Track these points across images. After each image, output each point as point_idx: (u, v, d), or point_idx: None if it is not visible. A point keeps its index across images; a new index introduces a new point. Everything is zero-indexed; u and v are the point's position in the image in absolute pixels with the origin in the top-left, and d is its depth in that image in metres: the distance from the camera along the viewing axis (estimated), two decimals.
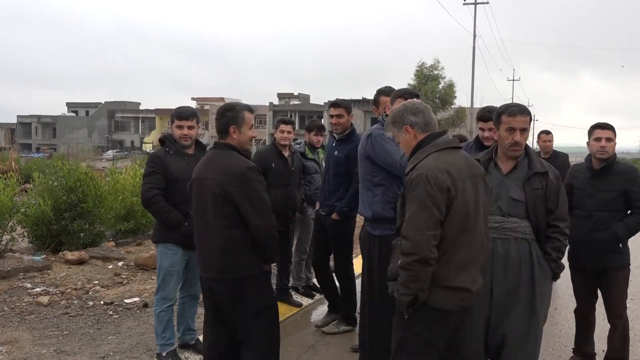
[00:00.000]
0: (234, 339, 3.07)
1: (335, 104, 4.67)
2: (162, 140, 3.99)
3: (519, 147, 3.06)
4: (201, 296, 4.17)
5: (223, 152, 3.02)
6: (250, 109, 3.12)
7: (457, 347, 2.70)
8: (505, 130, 3.05)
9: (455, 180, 2.53)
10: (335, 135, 4.69)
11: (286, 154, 5.20)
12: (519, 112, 3.04)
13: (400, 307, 2.55)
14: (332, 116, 4.64)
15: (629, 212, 3.82)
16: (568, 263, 3.93)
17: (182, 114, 3.91)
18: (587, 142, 3.92)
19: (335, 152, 4.61)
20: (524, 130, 3.04)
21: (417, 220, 2.47)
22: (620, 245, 3.79)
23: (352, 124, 4.74)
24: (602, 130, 3.81)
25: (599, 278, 3.86)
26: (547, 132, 6.44)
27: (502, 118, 3.07)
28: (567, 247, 3.29)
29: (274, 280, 5.54)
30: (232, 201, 2.89)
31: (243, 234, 2.94)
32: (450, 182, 2.50)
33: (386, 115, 3.68)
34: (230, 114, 3.03)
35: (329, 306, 5.01)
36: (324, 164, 5.23)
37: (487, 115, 3.73)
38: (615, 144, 3.86)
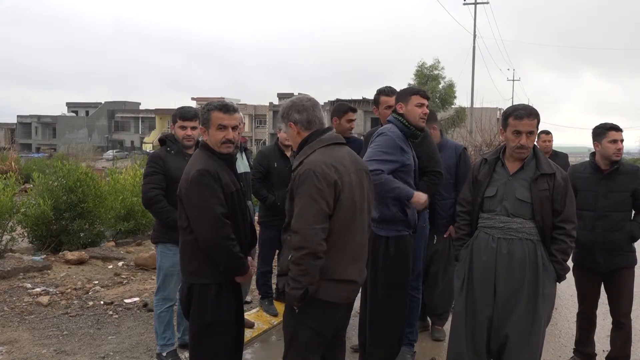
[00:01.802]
0: None
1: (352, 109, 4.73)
2: (163, 140, 3.98)
3: (525, 150, 3.05)
4: None
5: (199, 152, 2.93)
6: (222, 107, 2.87)
7: (341, 340, 2.84)
8: (512, 133, 3.04)
9: (342, 174, 2.60)
10: None
11: (288, 154, 5.18)
12: (526, 115, 3.02)
13: (291, 301, 2.58)
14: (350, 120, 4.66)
15: (633, 211, 3.85)
16: (573, 264, 3.93)
17: (185, 115, 3.90)
18: (595, 143, 3.88)
19: None
20: (531, 133, 3.03)
21: (306, 214, 2.50)
22: (633, 244, 3.83)
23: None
24: (616, 132, 3.81)
25: (609, 278, 3.86)
26: (547, 132, 6.43)
27: (509, 120, 3.05)
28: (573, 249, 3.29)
29: (274, 280, 5.55)
30: (182, 203, 2.83)
31: (196, 239, 2.79)
32: (337, 176, 2.57)
33: (398, 114, 3.68)
34: (203, 116, 2.92)
35: None
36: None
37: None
38: None
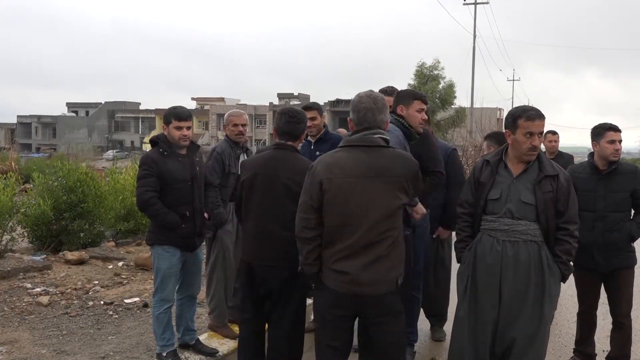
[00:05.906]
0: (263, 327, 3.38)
1: (307, 107, 4.67)
2: (155, 142, 3.89)
3: (537, 151, 3.05)
4: (197, 296, 4.19)
5: (292, 154, 3.28)
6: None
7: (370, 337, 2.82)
8: (524, 135, 3.02)
9: (333, 176, 2.72)
10: (311, 139, 4.65)
11: None
12: (537, 116, 3.02)
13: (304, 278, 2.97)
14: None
15: (633, 211, 3.85)
16: (572, 265, 3.93)
17: (181, 115, 3.86)
18: (594, 143, 3.88)
19: (317, 153, 4.56)
20: (541, 134, 3.05)
21: (299, 203, 2.85)
22: (632, 244, 3.83)
23: (325, 124, 4.74)
24: (615, 133, 3.82)
25: (609, 278, 3.86)
26: (554, 133, 6.34)
27: (520, 122, 3.03)
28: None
29: None
30: (288, 199, 3.12)
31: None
32: (325, 177, 2.73)
33: (398, 116, 3.70)
34: (306, 122, 3.38)
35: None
36: None
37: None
38: None
